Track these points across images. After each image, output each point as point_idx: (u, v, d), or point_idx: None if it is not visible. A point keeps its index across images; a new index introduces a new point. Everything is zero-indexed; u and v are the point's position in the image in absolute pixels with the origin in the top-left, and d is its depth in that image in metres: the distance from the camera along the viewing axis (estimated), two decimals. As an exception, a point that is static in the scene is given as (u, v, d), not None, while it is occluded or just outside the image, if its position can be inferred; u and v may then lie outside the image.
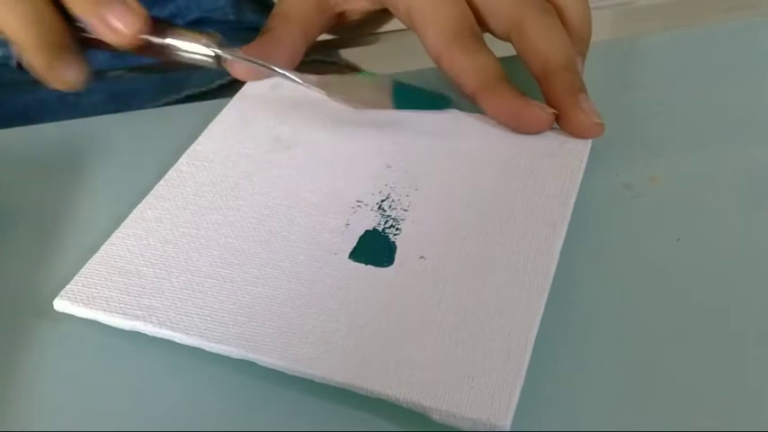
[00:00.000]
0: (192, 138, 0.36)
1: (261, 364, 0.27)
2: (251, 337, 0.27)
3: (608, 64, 0.37)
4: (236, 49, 0.35)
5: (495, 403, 0.25)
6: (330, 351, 0.27)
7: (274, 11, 0.39)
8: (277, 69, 0.35)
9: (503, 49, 0.37)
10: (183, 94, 0.48)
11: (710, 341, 0.28)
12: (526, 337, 0.27)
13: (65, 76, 0.34)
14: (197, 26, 0.55)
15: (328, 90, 0.34)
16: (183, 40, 0.34)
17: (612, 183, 0.34)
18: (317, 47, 0.41)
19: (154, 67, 0.48)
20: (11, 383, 0.28)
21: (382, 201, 0.32)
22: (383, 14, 0.41)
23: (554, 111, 0.35)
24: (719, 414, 0.26)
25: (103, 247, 0.30)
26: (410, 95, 0.34)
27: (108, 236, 0.31)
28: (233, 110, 0.37)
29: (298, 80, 0.34)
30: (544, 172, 0.33)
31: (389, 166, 0.34)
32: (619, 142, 0.35)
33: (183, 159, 0.34)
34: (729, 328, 0.29)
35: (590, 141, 0.34)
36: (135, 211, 0.32)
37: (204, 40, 0.34)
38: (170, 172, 0.34)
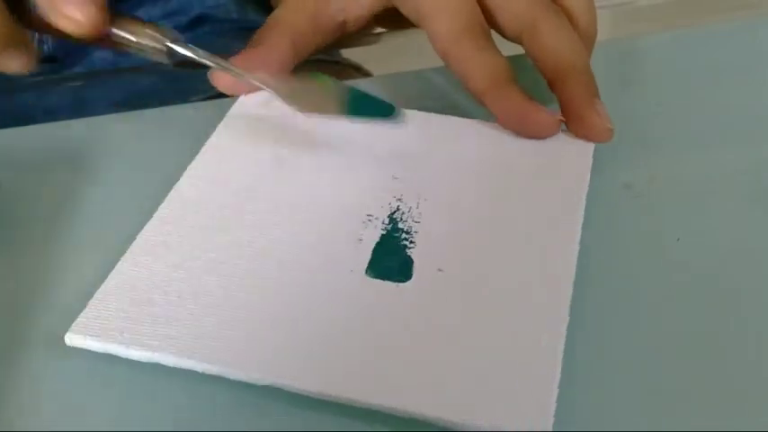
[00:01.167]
0: (195, 138, 0.35)
1: (288, 390, 0.26)
2: (276, 362, 0.26)
3: (608, 64, 0.37)
4: (197, 48, 0.34)
5: (535, 414, 0.25)
6: (358, 372, 0.26)
7: (266, 21, 0.38)
8: (232, 68, 0.34)
9: (505, 50, 0.37)
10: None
11: (711, 341, 0.28)
12: (556, 342, 0.26)
13: (9, 66, 0.33)
14: (199, 24, 0.55)
15: (280, 93, 0.34)
16: (135, 32, 0.33)
17: (612, 183, 0.34)
18: (325, 48, 0.40)
19: (160, 68, 0.48)
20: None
21: (392, 213, 0.32)
22: (387, 16, 0.41)
23: (561, 118, 0.34)
24: (719, 414, 0.26)
25: (111, 276, 0.29)
26: (363, 103, 0.34)
27: (108, 238, 0.31)
28: (229, 126, 0.36)
29: (255, 81, 0.34)
30: (551, 176, 0.33)
31: (396, 178, 0.33)
32: (619, 142, 0.35)
33: (184, 180, 0.33)
34: (730, 328, 0.29)
35: (593, 143, 0.34)
36: (139, 236, 0.31)
37: (158, 35, 0.33)
38: (171, 193, 0.33)
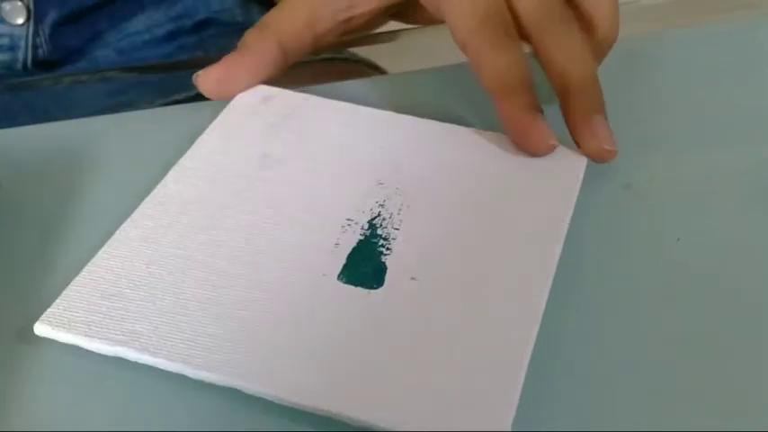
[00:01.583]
0: (192, 138, 0.36)
1: (246, 391, 0.26)
2: (236, 363, 0.26)
3: (608, 64, 0.37)
4: None
5: (494, 414, 0.25)
6: (319, 378, 0.26)
7: (257, 22, 0.38)
8: None
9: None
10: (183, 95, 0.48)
11: (711, 341, 0.28)
12: (520, 361, 0.26)
13: None
14: (204, 28, 0.55)
15: None
16: None
17: (612, 183, 0.34)
18: (331, 46, 0.40)
19: (154, 67, 0.48)
20: None
21: (373, 219, 0.31)
22: (399, 10, 0.40)
23: (555, 143, 0.33)
24: (719, 414, 0.26)
25: (86, 269, 0.29)
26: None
27: (107, 238, 0.31)
28: (221, 123, 0.36)
29: None
30: (539, 190, 0.32)
31: (381, 183, 0.33)
32: (619, 142, 0.35)
33: (170, 176, 0.33)
34: (730, 328, 0.29)
35: (585, 159, 0.34)
36: (119, 230, 0.31)
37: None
38: (156, 188, 0.33)
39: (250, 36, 0.37)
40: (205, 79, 0.36)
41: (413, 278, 0.29)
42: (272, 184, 0.33)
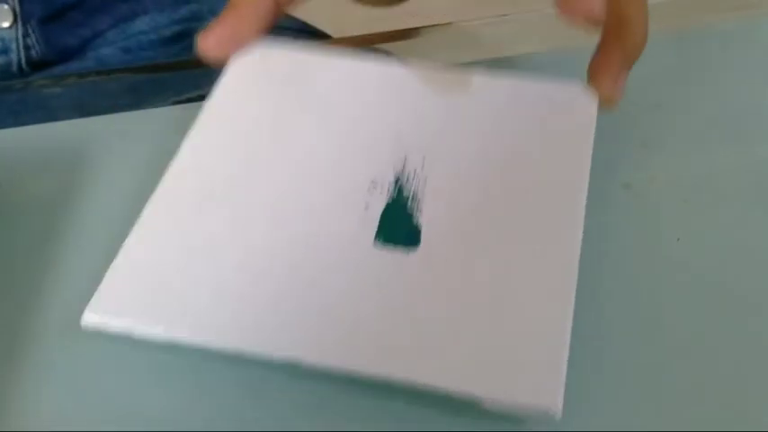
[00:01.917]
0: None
1: (304, 365, 0.26)
2: (290, 336, 0.26)
3: (608, 64, 0.37)
4: None
5: (545, 388, 0.25)
6: (370, 344, 0.26)
7: None
8: None
9: (507, 50, 0.37)
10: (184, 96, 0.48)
11: (711, 341, 0.28)
12: (565, 316, 0.26)
13: None
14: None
15: None
16: None
17: (612, 183, 0.34)
18: (353, 42, 0.39)
19: (164, 66, 0.48)
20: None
21: (398, 178, 0.31)
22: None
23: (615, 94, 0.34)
24: (719, 414, 0.26)
25: (120, 255, 0.29)
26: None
27: (110, 238, 0.31)
28: (225, 88, 0.35)
29: None
30: (556, 133, 0.32)
31: (399, 140, 0.32)
32: (619, 142, 0.35)
33: (185, 148, 0.32)
34: (730, 328, 0.29)
35: (596, 100, 0.33)
36: (144, 212, 0.30)
37: None
38: (172, 166, 0.32)
39: None
40: (205, 42, 0.35)
41: (448, 235, 0.29)
42: (291, 148, 0.32)
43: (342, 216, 0.30)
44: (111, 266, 0.28)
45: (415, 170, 0.31)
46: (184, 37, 0.54)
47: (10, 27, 0.50)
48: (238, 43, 0.35)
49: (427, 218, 0.30)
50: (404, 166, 0.31)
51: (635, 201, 0.34)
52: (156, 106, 0.40)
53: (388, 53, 0.50)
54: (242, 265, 0.28)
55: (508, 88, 0.34)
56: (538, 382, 0.25)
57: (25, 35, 0.51)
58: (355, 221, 0.29)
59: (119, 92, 0.47)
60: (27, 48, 0.51)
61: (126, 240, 0.29)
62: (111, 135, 0.38)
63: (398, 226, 0.29)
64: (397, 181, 0.31)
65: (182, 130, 0.37)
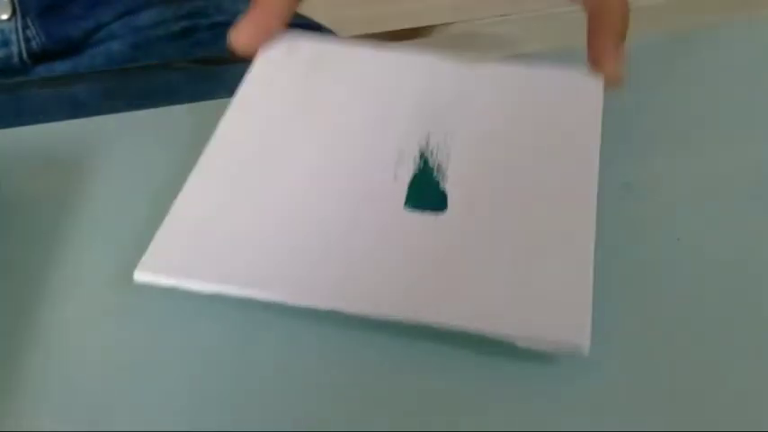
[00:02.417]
0: (192, 138, 0.35)
1: (347, 312, 0.28)
2: (335, 287, 0.28)
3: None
4: None
5: (574, 325, 0.27)
6: (412, 294, 0.28)
7: None
8: None
9: (507, 49, 0.37)
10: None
11: (711, 341, 0.28)
12: (587, 260, 0.29)
13: None
14: (219, 26, 0.55)
15: None
16: None
17: (612, 183, 0.34)
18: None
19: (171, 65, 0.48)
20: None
21: (422, 152, 0.33)
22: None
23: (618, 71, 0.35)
24: (718, 414, 0.26)
25: (169, 216, 0.31)
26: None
27: (110, 237, 0.31)
28: (256, 78, 0.37)
29: None
30: (565, 111, 0.35)
31: (420, 117, 0.35)
32: (619, 142, 0.35)
33: (222, 128, 0.34)
34: (730, 328, 0.29)
35: (601, 81, 0.36)
36: (189, 179, 0.32)
37: None
38: (213, 139, 0.34)
39: None
40: (237, 38, 0.37)
41: (473, 199, 0.31)
42: (321, 126, 0.35)
43: (372, 184, 0.32)
44: (158, 230, 0.30)
45: (438, 145, 0.34)
46: (193, 32, 0.55)
47: (9, 19, 0.50)
48: (267, 35, 0.38)
49: (452, 185, 0.32)
50: (428, 142, 0.34)
51: (635, 201, 0.34)
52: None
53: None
54: (285, 228, 0.30)
55: (519, 71, 0.37)
56: (567, 321, 0.27)
57: (25, 27, 0.51)
58: (386, 190, 0.32)
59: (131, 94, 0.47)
60: (27, 40, 0.51)
61: (174, 203, 0.31)
62: (111, 135, 0.38)
63: (426, 192, 0.32)
64: (422, 154, 0.33)
65: (182, 130, 0.37)
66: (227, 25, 0.49)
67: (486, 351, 0.28)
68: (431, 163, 0.33)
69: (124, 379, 0.28)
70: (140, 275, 0.29)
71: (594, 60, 0.36)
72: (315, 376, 0.28)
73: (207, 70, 0.49)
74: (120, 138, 0.38)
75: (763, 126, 0.38)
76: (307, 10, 0.45)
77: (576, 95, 0.35)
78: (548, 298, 0.28)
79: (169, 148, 0.36)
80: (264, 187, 0.32)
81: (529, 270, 0.29)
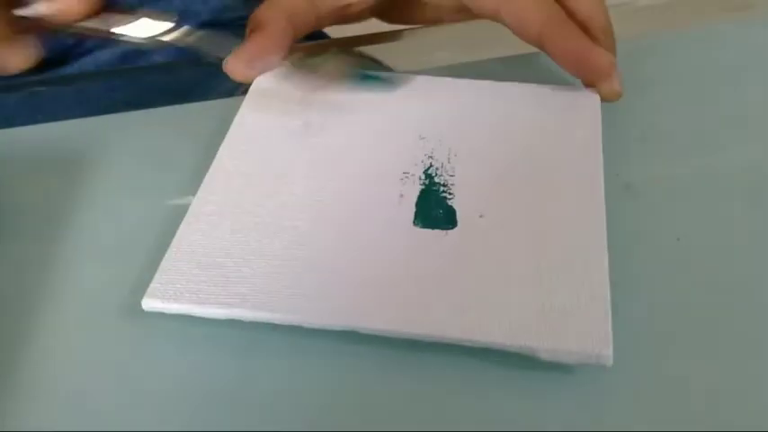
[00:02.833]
0: (192, 138, 0.36)
1: (362, 331, 0.28)
2: (347, 307, 0.28)
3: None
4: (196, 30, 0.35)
5: (596, 335, 0.27)
6: (431, 310, 0.28)
7: (261, 5, 0.38)
8: None
9: (507, 49, 0.37)
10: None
11: (711, 341, 0.29)
12: (602, 269, 0.29)
13: (8, 64, 0.33)
14: (208, 28, 0.55)
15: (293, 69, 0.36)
16: (126, 20, 0.34)
17: (612, 183, 0.34)
18: (338, 43, 0.40)
19: (167, 67, 0.48)
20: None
21: (427, 169, 0.33)
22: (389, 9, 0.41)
23: (612, 59, 0.36)
24: (718, 414, 0.26)
25: (173, 246, 0.30)
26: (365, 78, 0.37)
27: (110, 238, 0.31)
28: (253, 103, 0.37)
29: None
30: (566, 126, 0.35)
31: (423, 137, 0.35)
32: (618, 142, 0.35)
33: (222, 153, 0.34)
34: (730, 328, 0.29)
35: (598, 96, 0.36)
36: (191, 208, 0.32)
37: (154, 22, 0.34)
38: (213, 166, 0.34)
39: (263, 13, 0.38)
40: (235, 65, 0.36)
41: (481, 216, 0.31)
42: (322, 149, 0.35)
43: (379, 204, 0.32)
44: (164, 258, 0.30)
45: (442, 163, 0.34)
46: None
47: None
48: (265, 65, 0.37)
49: (459, 201, 0.32)
50: (431, 160, 0.34)
51: (635, 201, 0.34)
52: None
53: (380, 63, 0.50)
54: (291, 251, 0.30)
55: (517, 90, 0.37)
56: (588, 332, 0.27)
57: None
58: (393, 209, 0.32)
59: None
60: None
61: (179, 228, 0.31)
62: (111, 135, 0.38)
63: (434, 209, 0.32)
64: (426, 172, 0.33)
65: (183, 129, 0.37)
66: (215, 23, 0.49)
67: (503, 364, 0.27)
68: (437, 179, 0.33)
69: (124, 378, 0.28)
70: (149, 303, 0.29)
71: (590, 82, 0.36)
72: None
73: (212, 69, 0.49)
74: (120, 138, 0.38)
75: (763, 126, 0.38)
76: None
77: (576, 109, 0.36)
78: (567, 309, 0.28)
79: (169, 148, 0.36)
80: (269, 209, 0.32)
81: (546, 282, 0.29)
